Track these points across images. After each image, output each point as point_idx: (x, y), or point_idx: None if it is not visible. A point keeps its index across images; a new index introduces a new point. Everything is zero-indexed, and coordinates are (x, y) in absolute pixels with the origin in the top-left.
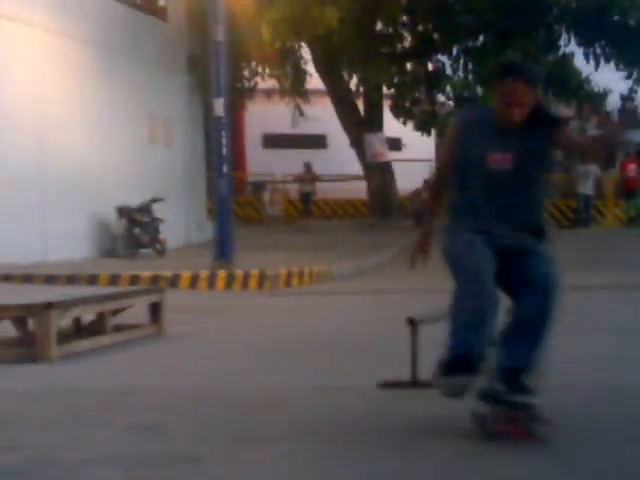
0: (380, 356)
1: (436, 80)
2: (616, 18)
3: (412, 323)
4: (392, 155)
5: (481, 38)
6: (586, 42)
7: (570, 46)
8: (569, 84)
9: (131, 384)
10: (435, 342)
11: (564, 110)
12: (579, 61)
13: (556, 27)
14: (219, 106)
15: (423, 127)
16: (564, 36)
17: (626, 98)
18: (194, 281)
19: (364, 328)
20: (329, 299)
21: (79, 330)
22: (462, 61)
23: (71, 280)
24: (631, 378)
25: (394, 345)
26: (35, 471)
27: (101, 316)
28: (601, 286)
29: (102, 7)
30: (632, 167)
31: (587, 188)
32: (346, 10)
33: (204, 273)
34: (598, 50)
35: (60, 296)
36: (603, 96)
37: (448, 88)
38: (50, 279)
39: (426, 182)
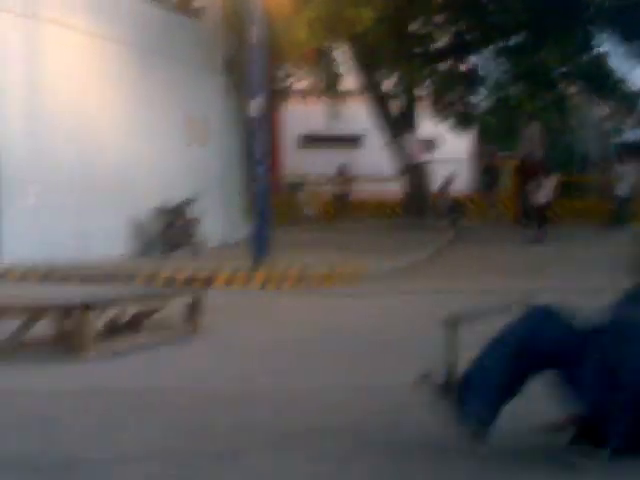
0: (415, 355)
1: (471, 80)
2: None
3: (449, 323)
4: (427, 155)
5: (516, 38)
6: (622, 41)
7: (605, 46)
8: (605, 84)
9: (167, 383)
10: (469, 343)
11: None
12: (615, 61)
13: (591, 26)
14: (255, 106)
15: (458, 127)
16: (599, 35)
17: None
18: (230, 280)
19: (398, 328)
20: (363, 299)
21: (116, 329)
22: (496, 61)
23: (108, 279)
24: None
25: (428, 345)
26: (72, 468)
27: (137, 316)
28: None
29: (139, 9)
30: None
31: (624, 189)
32: (380, 10)
33: (240, 272)
34: (634, 49)
35: (98, 296)
36: (636, 93)
37: (483, 88)
38: (87, 278)
39: (448, 178)
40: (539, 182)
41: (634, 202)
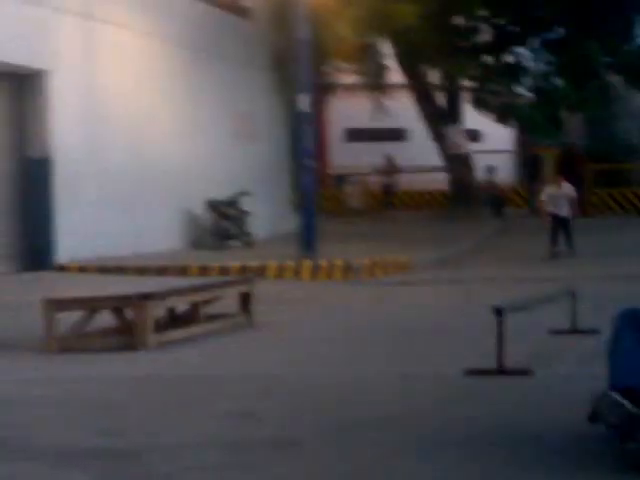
0: (464, 344)
1: (515, 72)
2: None
3: (498, 312)
4: (471, 146)
5: (558, 30)
6: None
7: None
8: None
9: (225, 372)
10: (518, 331)
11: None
12: None
13: (633, 16)
14: (303, 101)
15: (502, 119)
16: None
17: None
18: (280, 271)
19: (447, 317)
20: (411, 288)
21: (173, 320)
22: (540, 53)
23: (162, 271)
24: None
25: (477, 333)
26: (135, 455)
27: (194, 306)
28: None
29: (188, 7)
30: None
31: None
32: (423, 5)
33: (290, 264)
34: None
35: (155, 287)
36: None
37: (527, 80)
38: (143, 271)
39: (489, 169)
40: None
41: None
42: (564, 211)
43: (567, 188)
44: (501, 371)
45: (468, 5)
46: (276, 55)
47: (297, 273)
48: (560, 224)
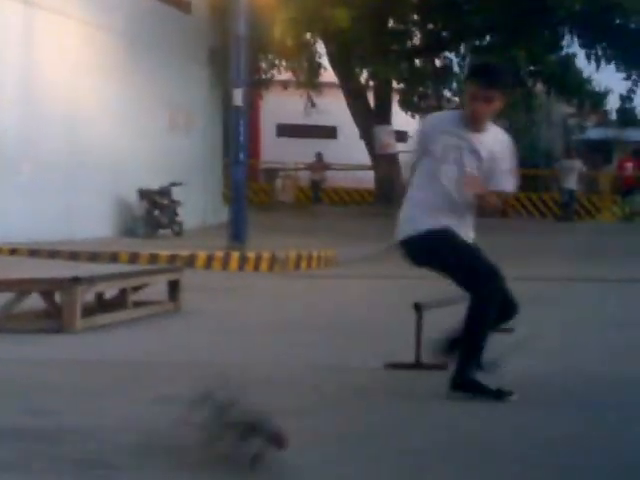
0: (385, 338)
1: (443, 76)
2: (618, 21)
3: (417, 308)
4: (399, 147)
5: (488, 37)
6: (588, 43)
7: (573, 47)
8: (571, 83)
9: (150, 357)
10: (439, 326)
11: (565, 108)
12: (581, 62)
13: (560, 28)
14: (238, 96)
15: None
16: (567, 37)
17: (625, 98)
18: (209, 261)
19: (369, 311)
20: (336, 282)
21: (102, 305)
22: (469, 59)
23: (94, 257)
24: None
25: (397, 328)
26: (53, 435)
27: (123, 292)
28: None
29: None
30: (629, 165)
31: (571, 182)
32: (358, 8)
33: (219, 254)
34: (599, 51)
35: (85, 272)
36: (603, 96)
37: (454, 84)
38: (74, 256)
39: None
40: None
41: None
42: None
43: None
44: (419, 365)
45: (402, 10)
46: (213, 50)
47: (225, 263)
48: None
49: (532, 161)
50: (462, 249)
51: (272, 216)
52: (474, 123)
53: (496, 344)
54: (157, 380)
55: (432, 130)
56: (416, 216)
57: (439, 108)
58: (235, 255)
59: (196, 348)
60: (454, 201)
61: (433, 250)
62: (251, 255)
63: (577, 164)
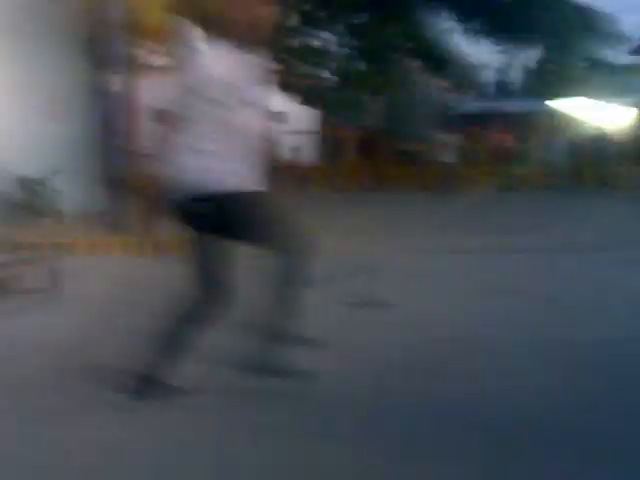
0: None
1: (319, 56)
2: None
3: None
4: (278, 127)
5: (361, 16)
6: (464, 19)
7: (449, 23)
8: (447, 59)
9: (30, 342)
10: (317, 303)
11: (430, 81)
12: (457, 37)
13: (435, 4)
14: (114, 82)
15: (306, 101)
16: (443, 13)
17: (500, 71)
18: (90, 248)
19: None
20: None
21: None
22: (345, 38)
23: None
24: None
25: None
26: None
27: (1, 280)
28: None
29: None
30: (508, 137)
31: (449, 153)
32: None
33: (100, 240)
34: (476, 26)
35: None
36: (479, 69)
37: (331, 64)
38: None
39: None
40: None
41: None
42: None
43: None
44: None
45: None
46: (88, 35)
47: (107, 249)
48: None
49: (410, 136)
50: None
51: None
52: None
53: (373, 318)
54: (27, 366)
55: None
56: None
57: (316, 88)
58: (116, 241)
59: (71, 332)
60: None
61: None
62: (133, 240)
63: (454, 137)
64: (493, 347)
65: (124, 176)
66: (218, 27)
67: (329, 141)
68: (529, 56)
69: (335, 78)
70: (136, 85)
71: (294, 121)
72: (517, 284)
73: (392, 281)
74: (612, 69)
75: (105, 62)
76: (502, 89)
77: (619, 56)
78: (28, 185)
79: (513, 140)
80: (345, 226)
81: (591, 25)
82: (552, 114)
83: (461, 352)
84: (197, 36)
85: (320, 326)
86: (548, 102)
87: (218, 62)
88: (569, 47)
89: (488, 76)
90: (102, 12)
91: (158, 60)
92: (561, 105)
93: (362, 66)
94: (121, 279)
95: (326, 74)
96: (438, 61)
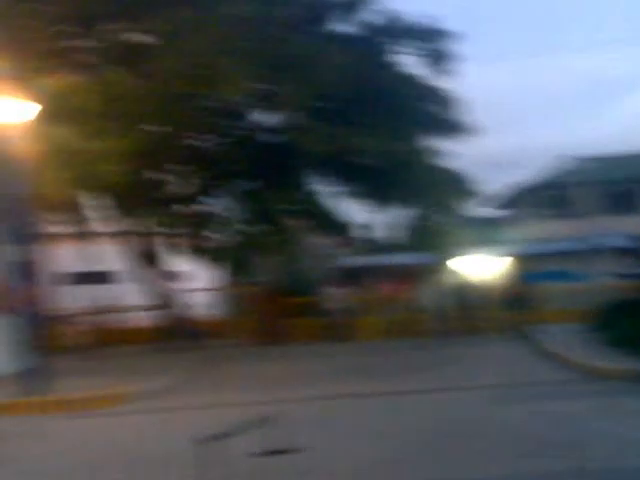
0: (165, 472)
1: (205, 219)
2: (356, 161)
3: (198, 442)
4: (173, 285)
5: (244, 183)
6: (344, 183)
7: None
8: (322, 218)
9: None
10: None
11: (319, 240)
12: (328, 199)
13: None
14: (13, 251)
15: (196, 260)
16: (326, 179)
17: (365, 227)
18: (6, 409)
19: (152, 446)
20: (124, 418)
21: None
22: (230, 202)
23: None
24: None
25: (179, 461)
26: None
27: None
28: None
29: None
30: (386, 287)
31: (338, 304)
32: (125, 164)
33: (10, 400)
34: (355, 189)
35: None
36: (347, 226)
37: (219, 226)
38: None
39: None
40: None
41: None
42: None
43: None
44: None
45: (160, 162)
46: None
47: (24, 409)
48: None
49: (301, 290)
50: None
51: (62, 360)
52: None
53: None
54: None
55: None
56: None
57: (201, 249)
58: (29, 401)
59: None
60: None
61: None
62: (50, 399)
63: (343, 290)
64: None
65: (39, 338)
66: None
67: (231, 298)
68: (407, 214)
69: (233, 240)
70: (42, 252)
71: (198, 279)
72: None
73: (295, 428)
74: (482, 223)
75: (8, 232)
76: (384, 245)
77: (488, 211)
78: None
79: (406, 290)
80: (247, 378)
81: (460, 186)
82: (431, 266)
83: None
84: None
85: (229, 478)
86: (427, 256)
87: None
88: (441, 206)
89: (370, 233)
90: (3, 185)
91: (62, 229)
92: (439, 258)
93: (256, 228)
94: (26, 439)
95: (224, 237)
96: (324, 221)
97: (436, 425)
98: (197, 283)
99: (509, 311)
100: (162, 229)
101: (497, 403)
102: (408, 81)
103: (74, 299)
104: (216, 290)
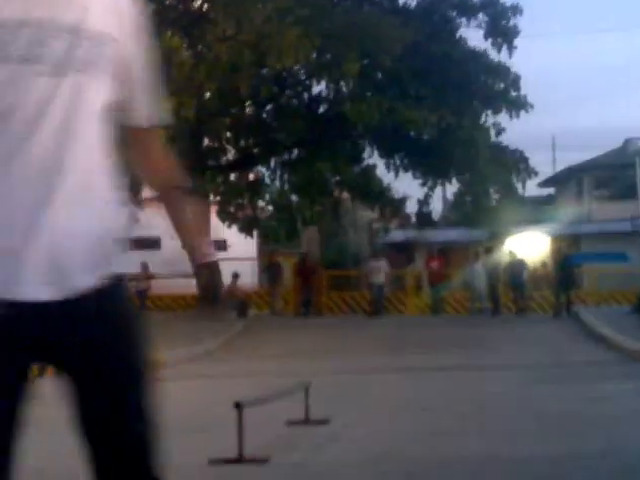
0: (210, 436)
1: (256, 188)
2: (412, 134)
3: (238, 406)
4: (219, 255)
5: (295, 152)
6: (386, 154)
7: (373, 158)
8: (372, 191)
9: None
10: (258, 423)
11: (369, 213)
12: (381, 171)
13: (360, 141)
14: None
15: (245, 230)
16: (368, 149)
17: (422, 202)
18: None
19: (194, 410)
20: (162, 384)
21: None
22: (279, 172)
23: None
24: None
25: (222, 426)
26: None
27: None
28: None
29: None
30: (435, 263)
31: (379, 278)
32: (174, 130)
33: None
34: (397, 161)
35: None
36: (402, 201)
37: (267, 195)
38: None
39: (234, 275)
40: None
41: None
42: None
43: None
44: (240, 460)
45: (215, 129)
46: None
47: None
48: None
49: (342, 263)
50: None
51: None
52: None
53: (312, 436)
54: None
55: None
56: None
57: (254, 219)
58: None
59: None
60: None
61: None
62: None
63: (383, 263)
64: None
65: None
66: None
67: (267, 267)
68: (448, 189)
69: (271, 209)
70: None
71: (236, 248)
72: (437, 402)
73: (329, 400)
74: (537, 202)
75: None
76: (423, 219)
77: (544, 190)
78: None
79: (443, 266)
80: (285, 347)
81: (503, 161)
82: (474, 243)
83: (395, 472)
84: None
85: (261, 444)
86: (470, 231)
87: None
88: (484, 181)
89: (410, 207)
90: None
91: None
92: (481, 234)
93: (295, 198)
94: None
95: (263, 205)
96: (365, 193)
97: (479, 401)
98: (241, 252)
99: (560, 291)
100: (216, 197)
101: (542, 382)
102: (471, 56)
103: (124, 265)
104: (259, 260)
